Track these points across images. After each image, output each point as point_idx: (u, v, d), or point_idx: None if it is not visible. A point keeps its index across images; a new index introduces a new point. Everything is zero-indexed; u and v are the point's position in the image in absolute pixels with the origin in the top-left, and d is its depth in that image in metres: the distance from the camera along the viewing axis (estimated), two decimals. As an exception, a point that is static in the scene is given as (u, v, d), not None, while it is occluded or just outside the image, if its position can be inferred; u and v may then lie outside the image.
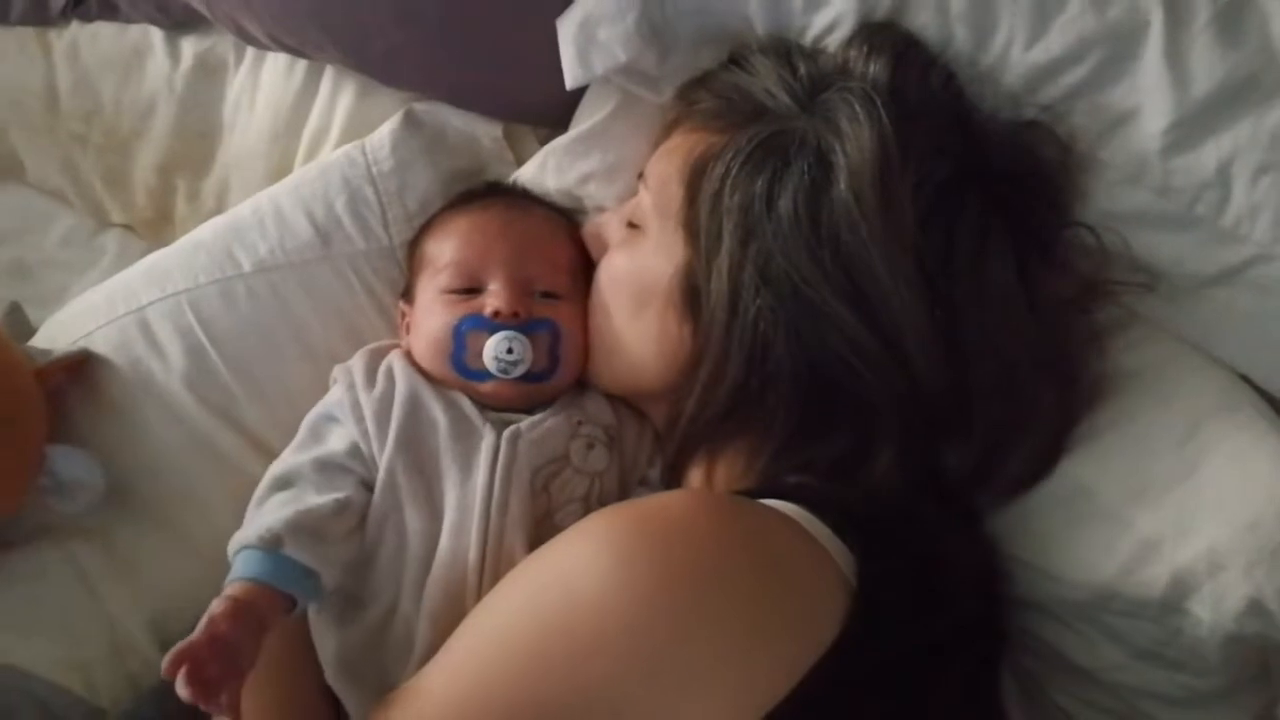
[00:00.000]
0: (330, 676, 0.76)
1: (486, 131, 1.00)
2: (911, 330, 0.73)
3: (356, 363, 0.84)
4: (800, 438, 0.76)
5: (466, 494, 0.76)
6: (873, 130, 0.73)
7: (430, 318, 0.84)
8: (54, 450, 0.86)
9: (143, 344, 0.92)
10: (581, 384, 0.87)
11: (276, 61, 1.09)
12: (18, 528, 0.90)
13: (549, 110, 0.97)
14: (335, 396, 0.83)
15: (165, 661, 0.62)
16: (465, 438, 0.78)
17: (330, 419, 0.82)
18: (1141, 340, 0.82)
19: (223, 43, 1.12)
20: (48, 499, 0.86)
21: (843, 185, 0.73)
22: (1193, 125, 0.77)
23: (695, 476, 0.81)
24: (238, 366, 0.91)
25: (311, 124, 1.06)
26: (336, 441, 0.80)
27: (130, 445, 0.90)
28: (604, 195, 0.93)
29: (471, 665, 0.64)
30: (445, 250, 0.86)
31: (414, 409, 0.80)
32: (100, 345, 0.92)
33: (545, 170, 0.95)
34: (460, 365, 0.81)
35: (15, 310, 1.00)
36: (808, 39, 0.85)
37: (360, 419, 0.79)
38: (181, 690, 0.62)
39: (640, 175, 0.86)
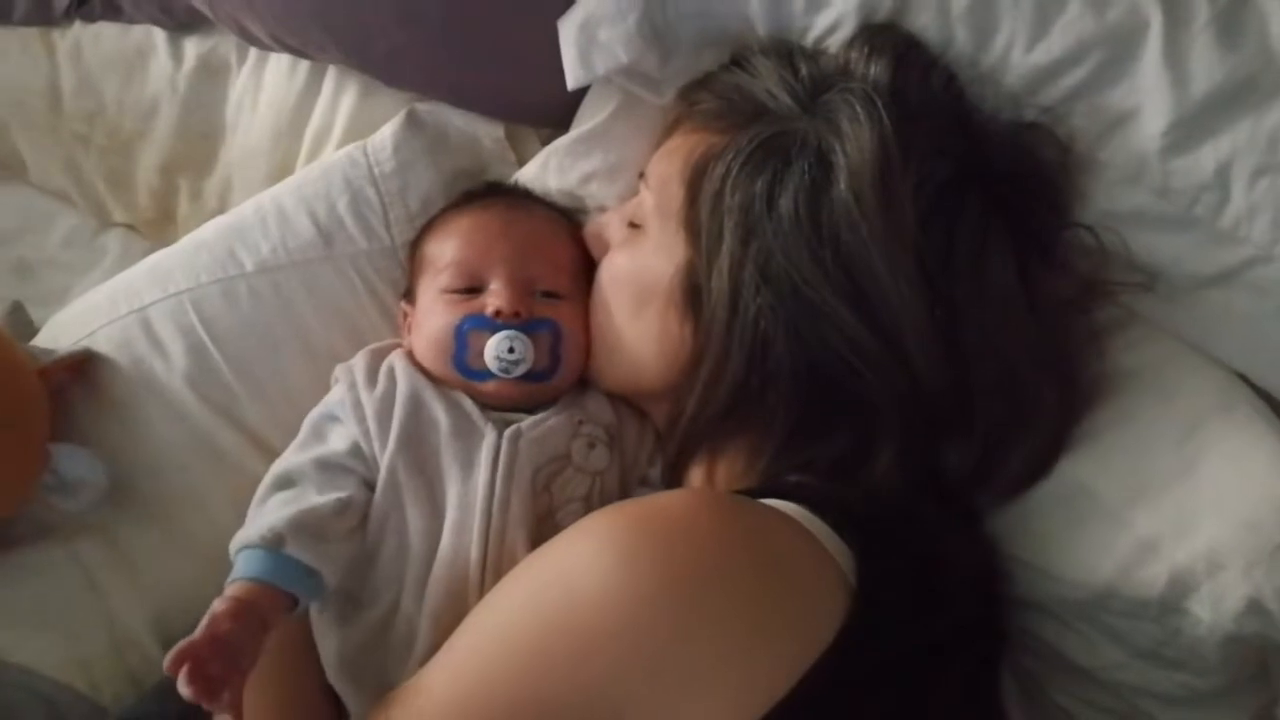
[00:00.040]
0: (331, 675, 0.76)
1: (488, 132, 1.00)
2: (911, 329, 0.73)
3: (358, 362, 0.85)
4: (801, 437, 0.76)
5: (468, 493, 0.76)
6: (873, 131, 0.73)
7: (432, 318, 0.84)
8: (57, 449, 0.86)
9: (145, 343, 0.92)
10: (583, 383, 0.87)
11: (279, 62, 1.09)
12: (21, 526, 0.90)
13: (551, 111, 0.97)
14: (337, 396, 0.83)
15: (167, 660, 0.62)
16: (467, 437, 0.78)
17: (332, 418, 0.82)
18: (1140, 340, 0.82)
19: (225, 43, 1.12)
20: (51, 497, 0.87)
21: (843, 185, 0.73)
22: (1191, 127, 0.77)
23: (696, 475, 0.81)
24: (239, 366, 0.91)
25: (314, 124, 1.07)
26: (338, 441, 0.80)
27: (132, 444, 0.90)
28: (605, 195, 0.93)
29: (473, 663, 0.64)
30: (447, 250, 0.86)
31: (415, 408, 0.80)
32: (103, 344, 0.92)
33: (547, 170, 0.95)
34: (462, 365, 0.82)
35: (18, 310, 1.00)
36: (809, 40, 0.85)
37: (362, 418, 0.80)
38: (183, 689, 0.62)
39: (641, 175, 0.86)
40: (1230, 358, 0.81)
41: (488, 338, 0.81)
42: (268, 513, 0.74)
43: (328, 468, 0.78)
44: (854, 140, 0.74)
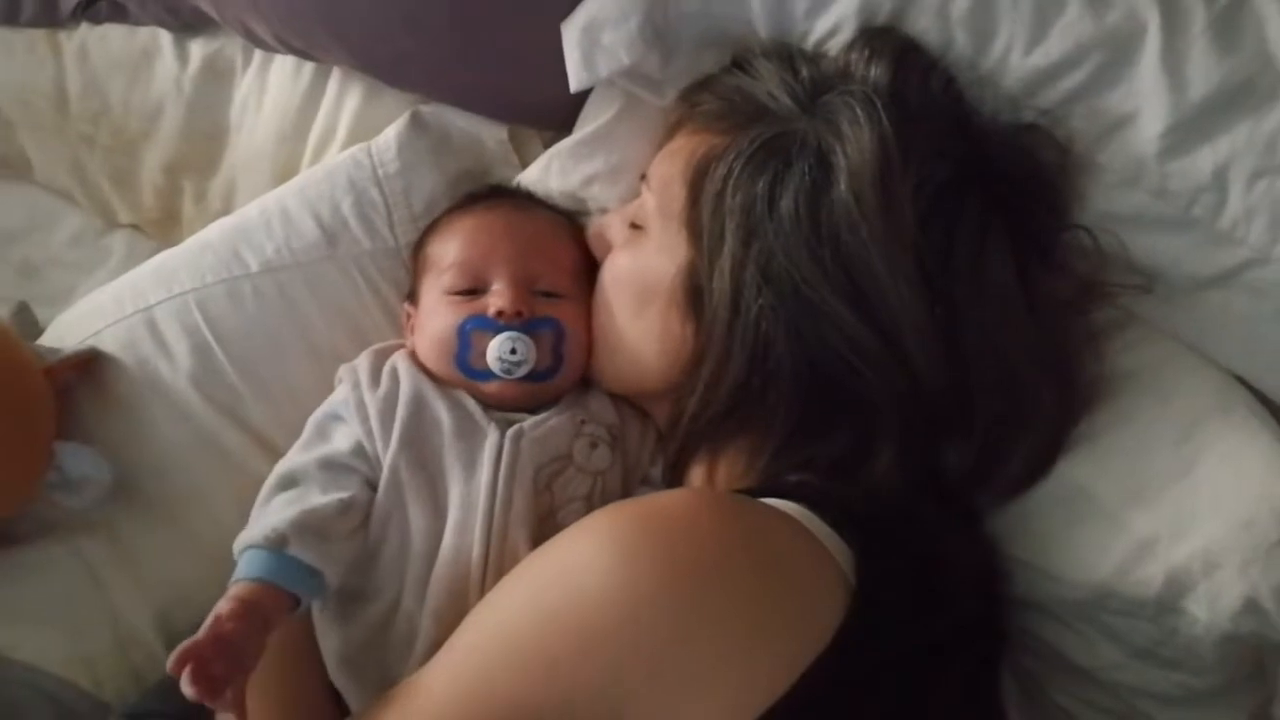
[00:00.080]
0: (333, 673, 0.76)
1: (491, 134, 1.01)
2: (911, 329, 0.73)
3: (361, 362, 0.85)
4: (801, 436, 0.76)
5: (470, 492, 0.76)
6: (873, 132, 0.74)
7: (435, 318, 0.84)
8: (62, 446, 0.86)
9: (150, 343, 0.92)
10: (585, 383, 0.87)
11: (284, 64, 1.09)
12: (25, 523, 0.90)
13: (553, 113, 0.98)
14: (340, 396, 0.83)
15: (171, 660, 0.63)
16: (469, 436, 0.79)
17: (335, 418, 0.82)
18: (1139, 341, 0.82)
19: (231, 45, 1.12)
20: (55, 494, 0.87)
21: (843, 186, 0.74)
22: (1189, 129, 0.77)
23: (697, 475, 0.81)
24: (244, 366, 0.91)
25: (318, 126, 1.07)
26: (341, 440, 0.80)
27: (137, 443, 0.91)
28: (607, 197, 0.93)
29: (473, 661, 0.65)
30: (449, 251, 0.87)
31: (418, 408, 0.80)
32: (108, 344, 0.93)
33: (549, 172, 0.95)
34: (464, 365, 0.82)
35: (23, 309, 1.01)
36: (810, 43, 0.86)
37: (365, 418, 0.80)
38: (187, 689, 0.62)
39: (643, 177, 0.86)
40: (1228, 359, 0.82)
41: (490, 338, 0.81)
42: (271, 513, 0.74)
43: (331, 467, 0.78)
44: (854, 141, 0.74)
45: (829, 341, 0.74)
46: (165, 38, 1.15)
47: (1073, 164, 0.81)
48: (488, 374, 0.81)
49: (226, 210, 1.08)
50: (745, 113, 0.80)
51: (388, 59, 0.99)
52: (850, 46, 0.82)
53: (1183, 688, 0.75)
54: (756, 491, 0.70)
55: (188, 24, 1.13)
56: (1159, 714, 0.78)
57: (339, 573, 0.74)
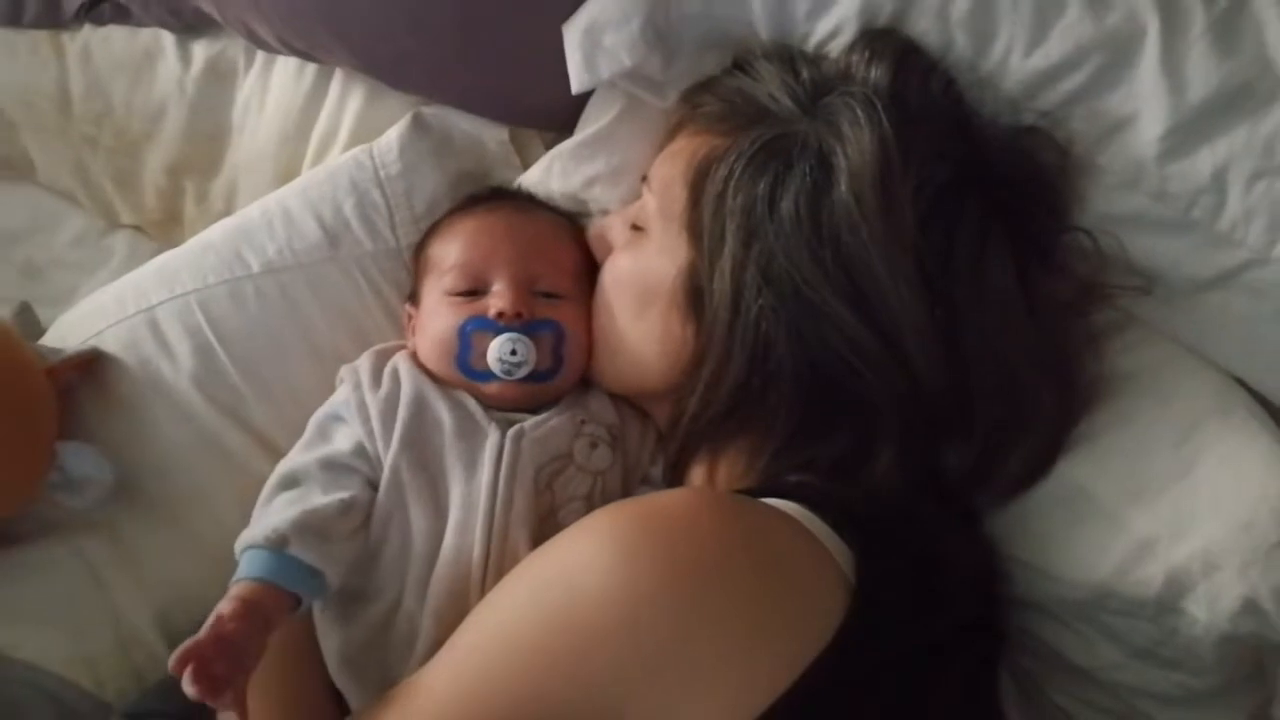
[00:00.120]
0: (334, 673, 0.76)
1: (493, 135, 1.01)
2: (911, 330, 0.74)
3: (363, 363, 0.85)
4: (801, 437, 0.76)
5: (471, 492, 0.76)
6: (873, 134, 0.74)
7: (435, 319, 0.84)
8: (63, 446, 0.87)
9: (152, 343, 0.92)
10: (586, 384, 0.87)
11: (286, 65, 1.09)
12: (26, 523, 0.90)
13: (555, 114, 0.98)
14: (342, 396, 0.83)
15: (172, 660, 0.63)
16: (470, 436, 0.79)
17: (336, 419, 0.82)
18: (1138, 343, 0.83)
19: (233, 46, 1.12)
20: (57, 494, 0.87)
21: (844, 187, 0.74)
22: (1188, 131, 0.78)
23: (697, 475, 0.81)
24: (246, 366, 0.92)
25: (320, 127, 1.07)
26: (342, 441, 0.80)
27: (139, 443, 0.91)
28: (608, 198, 0.93)
29: (474, 661, 0.65)
30: (450, 253, 0.87)
31: (419, 409, 0.80)
32: (110, 344, 0.93)
33: (551, 173, 0.95)
34: (465, 366, 0.82)
35: (25, 310, 1.01)
36: (810, 45, 0.86)
37: (366, 419, 0.80)
38: (188, 688, 0.62)
39: (644, 178, 0.86)
40: (1227, 360, 0.82)
41: (491, 339, 0.81)
42: (272, 513, 0.75)
43: (332, 468, 0.78)
44: (855, 143, 0.74)
45: (829, 342, 0.74)
46: (168, 39, 1.15)
47: (1072, 166, 0.81)
48: (488, 375, 0.81)
49: (228, 211, 1.08)
50: (746, 114, 0.81)
51: (389, 59, 1.00)
52: (851, 48, 0.82)
53: (1182, 688, 0.75)
54: (757, 492, 0.71)
55: (190, 25, 1.13)
56: (1158, 714, 0.78)
57: (340, 573, 0.74)
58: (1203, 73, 0.77)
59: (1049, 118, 0.81)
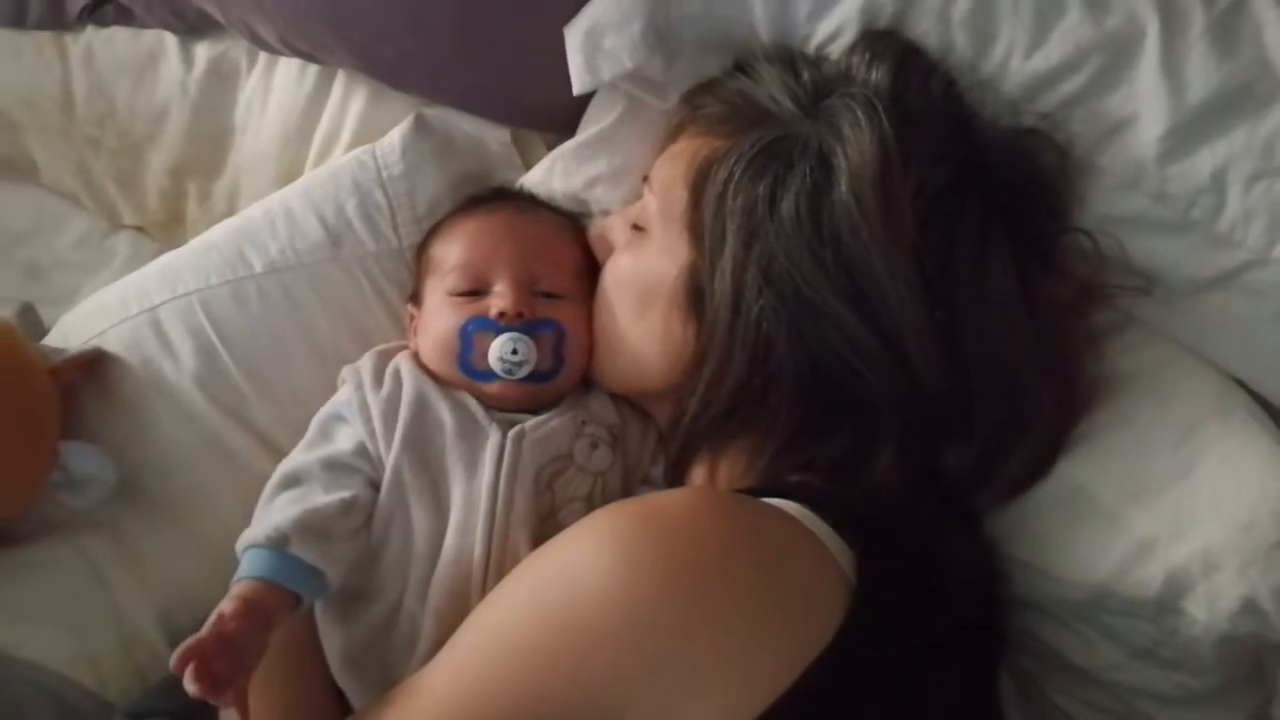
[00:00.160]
0: (336, 672, 0.76)
1: (495, 136, 1.01)
2: (911, 330, 0.74)
3: (365, 363, 0.85)
4: (802, 437, 0.76)
5: (472, 492, 0.77)
6: (874, 135, 0.74)
7: (437, 319, 0.85)
8: (66, 446, 0.87)
9: (154, 343, 0.92)
10: (586, 384, 0.87)
11: (288, 66, 1.09)
12: (29, 523, 0.90)
13: (556, 115, 0.98)
14: (343, 396, 0.83)
15: (174, 658, 0.63)
16: (471, 437, 0.79)
17: (338, 418, 0.83)
18: (1138, 343, 0.83)
19: (236, 48, 1.12)
20: (60, 494, 0.87)
21: (844, 188, 0.74)
22: (1188, 132, 0.78)
23: (698, 475, 0.81)
24: (248, 366, 0.92)
25: (322, 128, 1.07)
26: (344, 441, 0.80)
27: (141, 442, 0.91)
28: (610, 199, 0.93)
29: (475, 660, 0.65)
30: (452, 253, 0.87)
31: (421, 409, 0.80)
32: (113, 344, 0.93)
33: (552, 174, 0.96)
34: (466, 366, 0.82)
35: (28, 310, 1.01)
36: (811, 46, 0.86)
37: (368, 419, 0.80)
38: (189, 686, 0.62)
39: (645, 179, 0.86)
40: (1226, 361, 0.82)
41: (492, 339, 0.81)
42: (274, 512, 0.75)
43: (334, 467, 0.79)
44: (855, 144, 0.74)
45: (830, 343, 0.75)
46: (170, 40, 1.15)
47: (1072, 167, 0.81)
48: (489, 374, 0.82)
49: (231, 212, 1.08)
50: (747, 116, 0.81)
51: (391, 60, 1.00)
52: (852, 50, 0.82)
53: (1182, 688, 0.75)
54: (757, 491, 0.71)
55: (193, 27, 1.13)
56: (1158, 714, 0.78)
57: (341, 572, 0.74)
58: (1202, 74, 0.78)
59: (1049, 119, 0.81)
